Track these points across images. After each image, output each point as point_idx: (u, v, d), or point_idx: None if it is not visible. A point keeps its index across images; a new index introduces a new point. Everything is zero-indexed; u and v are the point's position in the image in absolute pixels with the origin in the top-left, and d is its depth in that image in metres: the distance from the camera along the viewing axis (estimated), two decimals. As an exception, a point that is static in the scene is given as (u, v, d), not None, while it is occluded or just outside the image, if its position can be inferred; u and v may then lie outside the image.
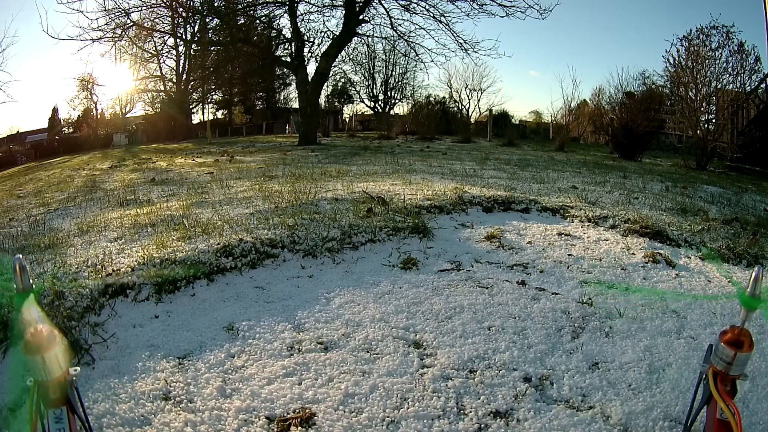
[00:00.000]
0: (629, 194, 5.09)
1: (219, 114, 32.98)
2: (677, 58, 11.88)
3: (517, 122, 26.93)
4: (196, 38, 19.11)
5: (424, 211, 3.69)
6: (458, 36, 13.96)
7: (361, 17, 14.16)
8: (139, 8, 13.06)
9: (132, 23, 12.99)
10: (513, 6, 12.38)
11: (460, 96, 27.65)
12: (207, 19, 15.18)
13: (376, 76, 28.23)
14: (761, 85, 11.75)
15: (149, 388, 1.56)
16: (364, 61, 27.52)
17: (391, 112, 28.23)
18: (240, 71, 19.27)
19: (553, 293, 2.33)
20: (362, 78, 28.70)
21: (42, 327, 0.88)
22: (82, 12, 12.97)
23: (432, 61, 27.68)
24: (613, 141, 13.33)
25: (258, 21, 15.21)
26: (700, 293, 2.39)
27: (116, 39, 12.97)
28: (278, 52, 16.38)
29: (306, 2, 14.60)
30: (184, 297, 2.27)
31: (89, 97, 27.43)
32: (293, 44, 14.68)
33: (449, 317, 2.07)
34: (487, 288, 2.38)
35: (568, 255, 2.89)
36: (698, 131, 11.35)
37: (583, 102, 21.43)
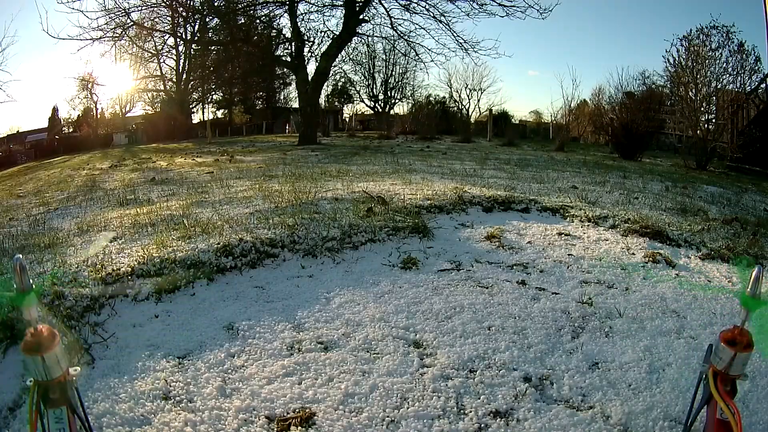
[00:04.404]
0: (629, 194, 5.09)
1: (219, 114, 32.95)
2: (677, 58, 11.88)
3: (517, 122, 26.94)
4: (196, 38, 19.08)
5: (424, 211, 3.69)
6: (458, 36, 13.97)
7: (361, 17, 14.15)
8: (139, 8, 13.07)
9: (132, 23, 12.98)
10: (513, 6, 12.38)
11: (460, 96, 27.65)
12: (207, 19, 15.18)
13: (376, 75, 28.24)
14: (761, 85, 11.74)
15: (149, 388, 1.56)
16: (364, 60, 27.54)
17: (391, 112, 28.25)
18: (240, 71, 19.19)
19: (553, 293, 2.33)
20: (362, 78, 28.72)
21: (42, 327, 0.88)
22: (82, 12, 13.06)
23: (432, 60, 27.58)
24: (613, 141, 13.33)
25: (258, 21, 15.21)
26: (700, 293, 2.38)
27: (116, 39, 12.96)
28: (278, 52, 16.38)
29: (306, 2, 14.62)
30: (184, 296, 2.27)
31: (89, 96, 27.40)
32: (293, 44, 14.68)
33: (449, 317, 2.06)
34: (487, 288, 2.38)
35: (568, 255, 2.89)
36: (698, 131, 11.35)
37: (583, 102, 21.41)
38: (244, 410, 1.47)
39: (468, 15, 13.33)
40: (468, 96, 27.61)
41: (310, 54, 15.77)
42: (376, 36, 15.97)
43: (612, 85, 26.42)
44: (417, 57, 16.76)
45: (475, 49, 14.14)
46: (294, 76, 17.15)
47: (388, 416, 1.45)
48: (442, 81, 34.68)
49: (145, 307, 2.15)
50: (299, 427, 1.40)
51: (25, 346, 0.86)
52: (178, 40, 21.25)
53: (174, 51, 23.98)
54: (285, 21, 15.09)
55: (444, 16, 13.67)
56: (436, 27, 15.76)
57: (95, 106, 28.18)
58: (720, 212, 4.59)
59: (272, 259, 2.68)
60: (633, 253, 2.95)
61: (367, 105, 29.87)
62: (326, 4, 14.65)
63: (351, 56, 26.35)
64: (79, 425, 0.95)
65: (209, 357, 1.76)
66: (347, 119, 32.07)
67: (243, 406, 1.48)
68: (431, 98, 26.59)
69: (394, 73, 27.95)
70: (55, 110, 29.10)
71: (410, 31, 16.23)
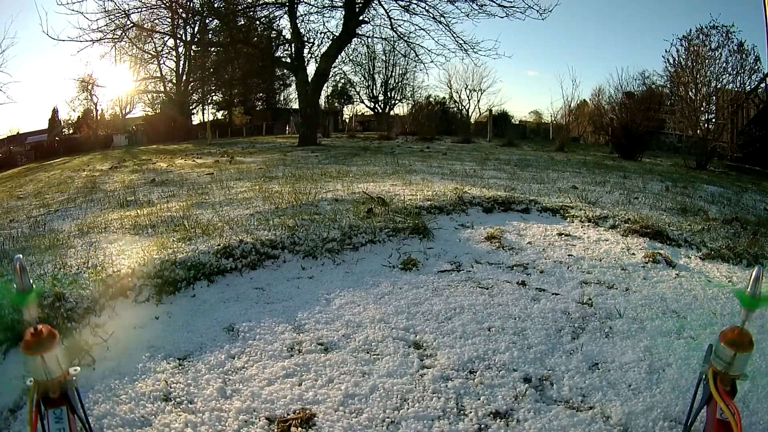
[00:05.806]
0: (629, 194, 5.09)
1: (219, 115, 32.96)
2: (677, 58, 11.88)
3: (517, 122, 26.97)
4: (196, 39, 19.11)
5: (424, 212, 3.69)
6: (458, 36, 13.98)
7: (360, 18, 14.17)
8: (139, 9, 13.08)
9: (132, 24, 12.99)
10: (513, 6, 12.39)
11: (460, 96, 27.69)
12: (207, 20, 15.19)
13: (376, 76, 28.33)
14: (761, 85, 11.75)
15: (150, 389, 1.56)
16: (363, 61, 27.62)
17: (391, 113, 28.28)
18: (240, 72, 19.20)
19: (553, 294, 2.33)
20: (362, 79, 28.79)
21: (42, 327, 0.88)
22: (82, 13, 13.01)
23: (432, 61, 27.48)
24: (613, 141, 13.33)
25: (258, 22, 15.22)
26: (700, 293, 2.38)
27: (116, 40, 12.97)
28: (278, 53, 16.40)
29: (306, 3, 14.65)
30: (185, 298, 2.27)
31: (89, 98, 27.40)
32: (293, 45, 14.69)
33: (449, 318, 2.07)
34: (487, 288, 2.38)
35: (568, 255, 2.89)
36: (698, 131, 11.35)
37: (583, 102, 21.44)
38: (244, 411, 1.47)
39: (468, 16, 13.35)
40: (468, 96, 27.67)
41: (309, 55, 15.81)
42: (376, 37, 16.03)
43: (612, 85, 26.43)
44: (417, 58, 16.81)
45: (475, 50, 14.17)
46: (294, 78, 17.19)
47: (388, 417, 1.45)
48: (442, 82, 34.70)
49: (146, 309, 2.15)
50: (299, 428, 1.40)
51: (26, 346, 0.86)
52: (177, 41, 21.34)
53: (174, 52, 24.06)
54: (285, 22, 15.15)
55: (444, 17, 13.70)
56: (435, 28, 15.85)
57: (95, 108, 28.21)
58: (720, 212, 4.59)
59: (272, 260, 2.68)
60: (633, 254, 2.94)
61: (367, 106, 29.96)
62: (326, 5, 14.70)
63: (351, 57, 26.46)
64: (79, 425, 0.95)
65: (210, 358, 1.76)
66: (347, 120, 32.07)
67: (243, 407, 1.48)
68: (431, 99, 26.58)
69: (393, 74, 28.05)
70: (55, 112, 29.11)
71: (410, 32, 16.26)
